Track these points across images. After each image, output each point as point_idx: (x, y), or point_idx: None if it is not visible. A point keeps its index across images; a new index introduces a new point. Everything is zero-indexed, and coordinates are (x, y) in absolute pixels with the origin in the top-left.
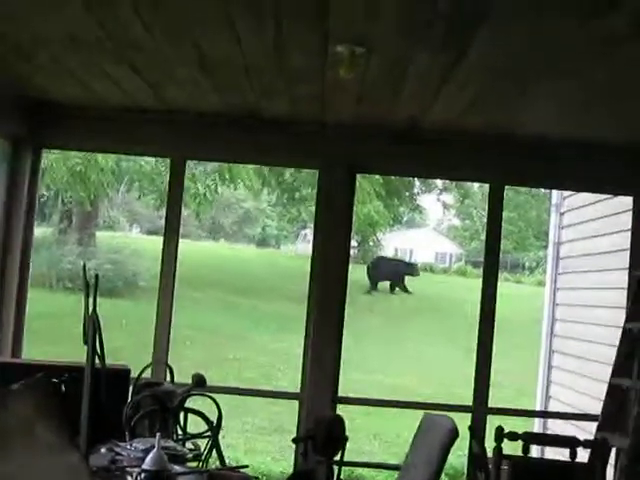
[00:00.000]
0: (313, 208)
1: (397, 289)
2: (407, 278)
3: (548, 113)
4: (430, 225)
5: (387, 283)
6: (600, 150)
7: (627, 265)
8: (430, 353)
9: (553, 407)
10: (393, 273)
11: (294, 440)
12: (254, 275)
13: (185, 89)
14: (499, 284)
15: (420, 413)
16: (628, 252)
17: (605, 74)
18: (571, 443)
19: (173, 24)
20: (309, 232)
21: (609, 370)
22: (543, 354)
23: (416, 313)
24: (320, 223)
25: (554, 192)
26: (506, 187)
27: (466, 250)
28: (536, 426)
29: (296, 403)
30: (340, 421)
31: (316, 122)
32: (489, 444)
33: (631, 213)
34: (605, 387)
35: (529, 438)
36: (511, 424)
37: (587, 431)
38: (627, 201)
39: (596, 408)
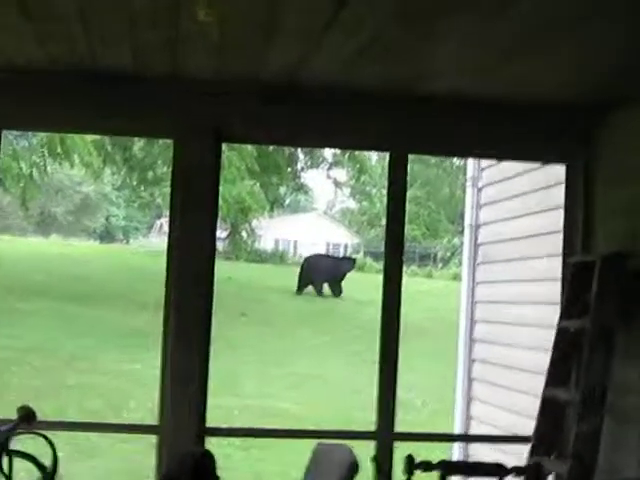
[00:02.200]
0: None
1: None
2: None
3: (460, 62)
4: (319, 209)
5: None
6: (526, 109)
7: (560, 251)
8: (323, 369)
9: (475, 429)
10: (333, 272)
11: None
12: (97, 278)
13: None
14: (405, 280)
15: (313, 443)
16: (560, 235)
17: (533, 6)
18: (498, 471)
19: None
20: (165, 222)
21: (542, 381)
22: (461, 364)
23: (302, 320)
24: (176, 208)
25: (470, 163)
26: (410, 157)
27: (365, 239)
28: (456, 453)
29: (154, 438)
30: (209, 458)
31: (169, 78)
32: (397, 477)
33: (563, 187)
34: (538, 402)
35: (447, 468)
36: (425, 452)
37: (517, 455)
38: (558, 172)
39: (527, 428)
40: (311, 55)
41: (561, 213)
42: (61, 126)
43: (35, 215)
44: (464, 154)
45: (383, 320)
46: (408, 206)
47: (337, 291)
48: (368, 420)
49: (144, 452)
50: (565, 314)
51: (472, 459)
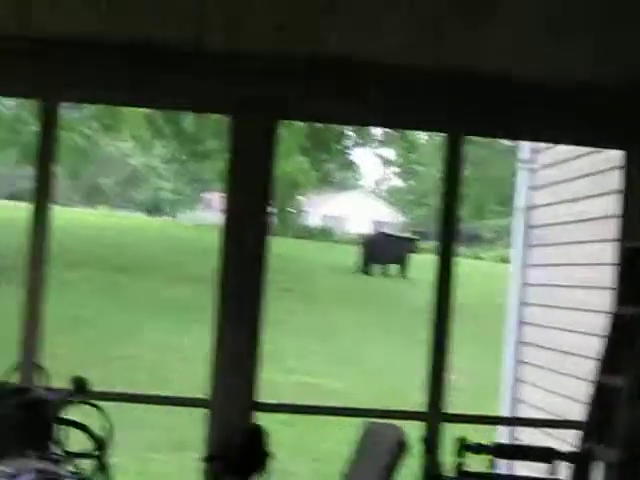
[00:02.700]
0: (221, 164)
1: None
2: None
3: (517, 42)
4: (366, 187)
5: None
6: (585, 92)
7: (615, 236)
8: (369, 349)
9: (523, 412)
10: (395, 252)
11: (206, 459)
12: (144, 250)
13: (59, 10)
14: (456, 261)
15: (359, 422)
16: (616, 220)
17: None
18: (549, 456)
19: None
20: (215, 196)
21: (592, 366)
22: (510, 347)
23: (349, 300)
24: (232, 184)
25: (525, 145)
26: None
27: (411, 218)
28: (502, 436)
29: (201, 413)
30: (261, 433)
31: (227, 54)
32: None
33: (619, 171)
34: (588, 387)
35: (498, 451)
36: (469, 435)
37: (564, 440)
38: (614, 156)
39: (575, 412)
40: (370, 35)
41: (617, 198)
42: (115, 100)
43: (83, 186)
44: (521, 137)
45: (436, 301)
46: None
47: (403, 271)
48: (418, 401)
49: (187, 425)
50: (620, 300)
51: (519, 443)
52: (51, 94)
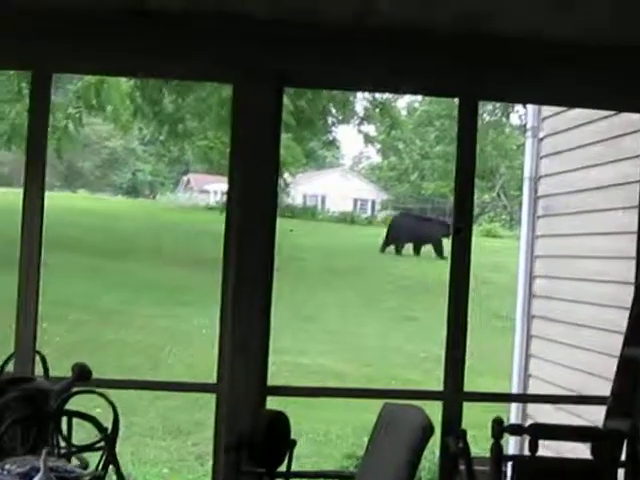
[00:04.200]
0: (202, 143)
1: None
2: None
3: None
4: (345, 164)
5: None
6: (602, 52)
7: (630, 203)
8: (354, 326)
9: (534, 388)
10: (419, 233)
11: (226, 448)
12: (126, 233)
13: None
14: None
15: (368, 403)
16: (632, 187)
17: None
18: (589, 435)
19: None
20: (192, 177)
21: (607, 338)
22: (519, 321)
23: (332, 276)
24: (237, 158)
25: (529, 113)
26: (440, 111)
27: (393, 195)
28: (513, 413)
29: (195, 397)
30: (284, 420)
31: (229, 19)
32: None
33: (631, 137)
34: (604, 360)
35: (539, 431)
36: (478, 413)
37: (579, 416)
38: (626, 120)
39: (589, 386)
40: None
41: (630, 164)
42: (113, 69)
43: (62, 170)
44: (537, 101)
45: (452, 278)
46: (436, 162)
47: (439, 253)
48: (409, 378)
49: (183, 409)
50: None
51: (531, 419)
52: (43, 65)
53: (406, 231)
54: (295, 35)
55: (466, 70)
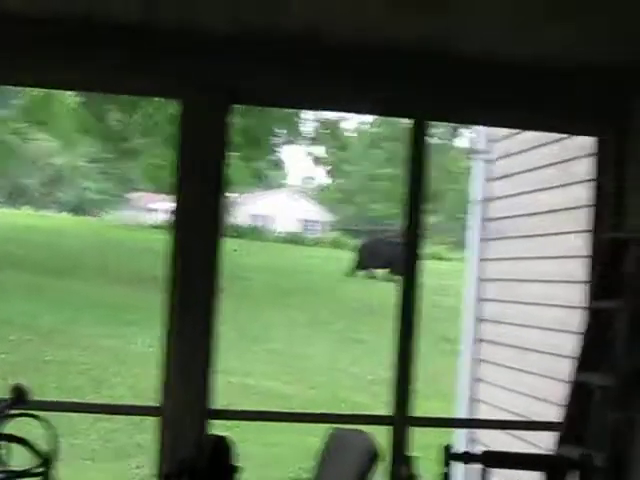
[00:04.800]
0: (150, 161)
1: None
2: None
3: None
4: (293, 185)
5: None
6: (558, 77)
7: (582, 227)
8: (300, 347)
9: (482, 412)
10: (392, 259)
11: (167, 476)
12: (71, 251)
13: None
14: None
15: (314, 427)
16: (580, 211)
17: None
18: (542, 463)
19: None
20: (138, 196)
21: (554, 363)
22: (468, 345)
23: (278, 297)
24: (182, 177)
25: (480, 136)
26: (388, 134)
27: (340, 216)
28: (460, 438)
29: (138, 419)
30: (228, 445)
31: (179, 32)
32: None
33: (583, 161)
34: (551, 384)
35: (488, 458)
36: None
37: (527, 442)
38: (578, 145)
39: (537, 411)
40: (336, 8)
41: (580, 188)
42: (54, 82)
43: (6, 186)
44: (489, 123)
45: (401, 302)
46: (382, 184)
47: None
48: (356, 401)
49: (125, 431)
50: (598, 294)
51: (479, 444)
52: None
53: (379, 256)
54: (248, 51)
55: (419, 90)
